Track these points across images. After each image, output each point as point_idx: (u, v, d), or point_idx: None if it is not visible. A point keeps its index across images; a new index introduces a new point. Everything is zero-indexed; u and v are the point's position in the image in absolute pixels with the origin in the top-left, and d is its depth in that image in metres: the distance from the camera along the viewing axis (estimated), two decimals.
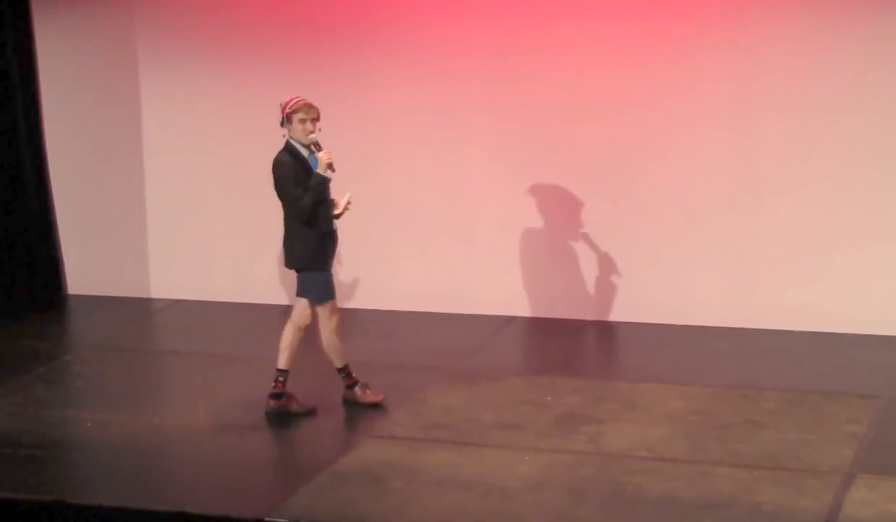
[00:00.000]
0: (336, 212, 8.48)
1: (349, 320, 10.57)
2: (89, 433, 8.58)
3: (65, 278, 11.65)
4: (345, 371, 8.74)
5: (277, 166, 8.36)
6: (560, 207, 10.37)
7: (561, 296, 10.42)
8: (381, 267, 10.77)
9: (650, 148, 10.11)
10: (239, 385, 9.30)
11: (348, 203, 8.51)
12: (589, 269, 10.34)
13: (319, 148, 8.36)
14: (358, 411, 8.76)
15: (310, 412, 8.61)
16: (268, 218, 11.02)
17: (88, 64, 11.30)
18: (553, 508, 7.28)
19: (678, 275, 10.17)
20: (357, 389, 8.73)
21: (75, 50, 11.31)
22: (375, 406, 8.66)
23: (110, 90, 11.29)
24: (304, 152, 8.39)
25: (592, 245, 10.29)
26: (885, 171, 9.64)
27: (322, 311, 8.60)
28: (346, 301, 10.79)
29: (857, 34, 9.56)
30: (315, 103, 8.43)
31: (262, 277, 11.10)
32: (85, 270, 11.57)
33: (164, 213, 11.34)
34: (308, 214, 8.36)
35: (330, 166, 8.33)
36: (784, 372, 9.25)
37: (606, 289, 10.32)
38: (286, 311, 10.86)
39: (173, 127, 11.21)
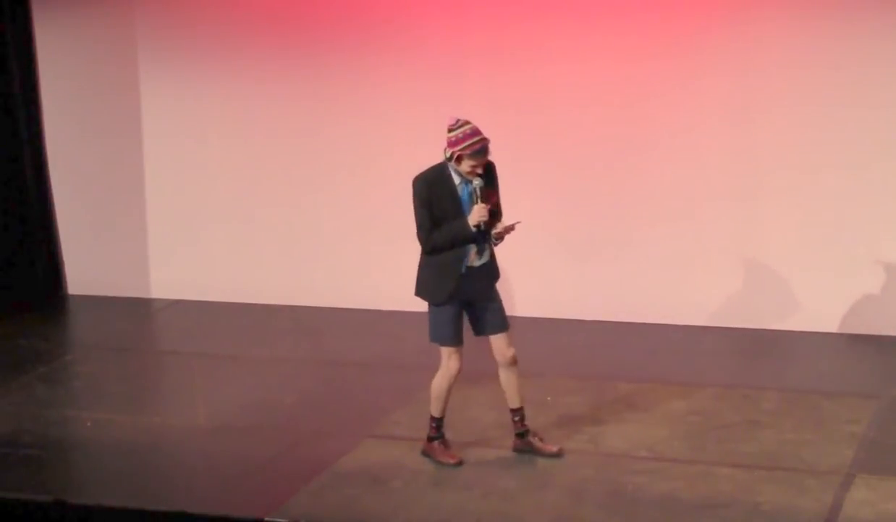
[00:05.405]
0: (495, 232, 7.61)
1: (349, 319, 10.59)
2: (89, 433, 8.58)
3: (65, 278, 11.65)
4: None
5: (415, 182, 7.67)
6: (558, 205, 10.37)
7: (560, 295, 10.41)
8: (382, 267, 10.76)
9: (650, 146, 10.10)
10: (239, 385, 9.30)
11: (510, 229, 7.64)
12: (588, 268, 10.33)
13: (478, 198, 7.56)
14: (358, 411, 8.76)
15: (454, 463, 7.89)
16: (268, 218, 11.08)
17: (89, 63, 11.30)
18: (553, 508, 7.28)
19: (678, 275, 10.16)
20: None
21: (75, 49, 11.30)
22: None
23: (110, 90, 11.29)
24: (457, 180, 7.63)
25: (591, 244, 10.28)
26: (886, 170, 9.63)
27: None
28: (347, 302, 10.80)
29: (860, 31, 9.55)
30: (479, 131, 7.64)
31: (262, 277, 11.10)
32: (85, 270, 11.57)
33: (164, 213, 11.33)
34: (431, 249, 7.70)
35: (478, 226, 7.55)
36: (784, 372, 9.25)
37: (606, 288, 10.32)
38: (286, 311, 10.92)
39: (173, 127, 11.21)
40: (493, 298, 7.80)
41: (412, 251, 10.67)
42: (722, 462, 7.74)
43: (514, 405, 7.89)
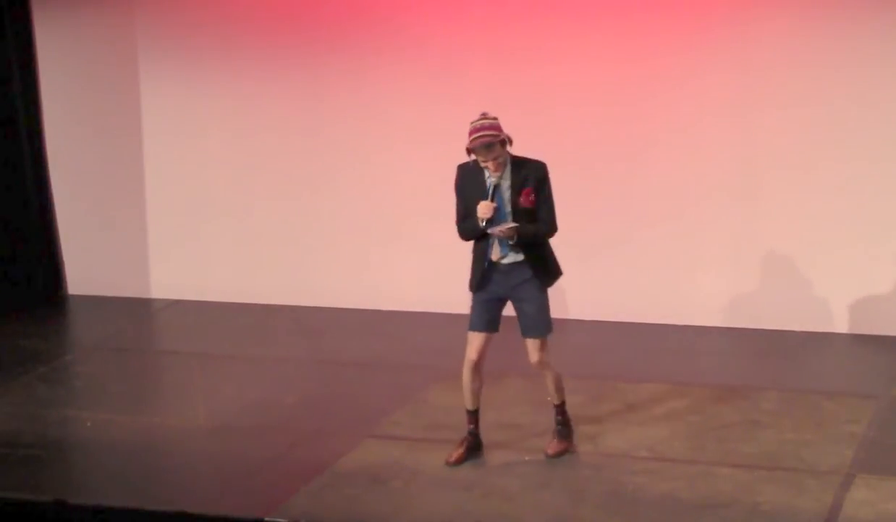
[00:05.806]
0: (490, 231, 7.57)
1: (349, 319, 10.59)
2: (89, 433, 8.58)
3: (65, 278, 11.65)
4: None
5: (456, 172, 7.75)
6: (558, 205, 10.34)
7: (560, 295, 10.40)
8: (382, 267, 10.77)
9: (650, 146, 10.10)
10: (239, 385, 9.30)
11: (504, 231, 7.55)
12: (588, 268, 10.32)
13: (490, 195, 7.56)
14: (358, 411, 8.75)
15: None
16: (268, 218, 11.08)
17: (88, 63, 11.30)
18: (553, 508, 7.28)
19: (678, 275, 10.16)
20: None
21: (75, 49, 11.31)
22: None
23: (110, 90, 11.29)
24: (487, 173, 7.60)
25: (592, 244, 10.27)
26: (885, 170, 9.64)
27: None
28: (346, 302, 10.80)
29: (860, 31, 9.55)
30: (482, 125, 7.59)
31: (262, 277, 11.10)
32: (85, 270, 11.57)
33: (164, 213, 11.33)
34: (460, 236, 7.74)
35: (482, 220, 7.53)
36: (784, 372, 9.25)
37: (606, 288, 10.31)
38: (286, 311, 10.92)
39: (173, 127, 11.21)
40: (528, 300, 7.72)
41: (411, 251, 10.74)
42: (722, 462, 7.74)
43: (553, 402, 7.94)
